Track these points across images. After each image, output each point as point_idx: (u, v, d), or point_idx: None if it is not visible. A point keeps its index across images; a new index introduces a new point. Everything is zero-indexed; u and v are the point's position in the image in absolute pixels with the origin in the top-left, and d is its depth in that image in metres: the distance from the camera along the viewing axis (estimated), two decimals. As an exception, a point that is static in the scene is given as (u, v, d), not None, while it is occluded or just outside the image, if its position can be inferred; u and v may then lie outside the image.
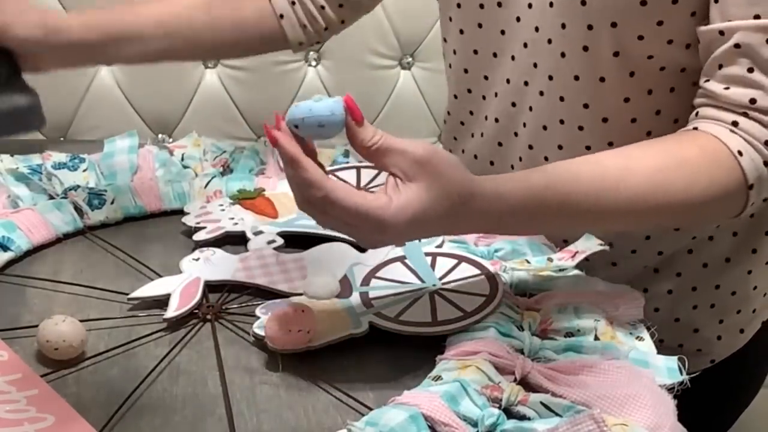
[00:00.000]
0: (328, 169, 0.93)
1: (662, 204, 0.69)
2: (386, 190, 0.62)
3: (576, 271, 0.77)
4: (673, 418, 0.61)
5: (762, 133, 0.69)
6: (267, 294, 0.76)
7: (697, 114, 0.73)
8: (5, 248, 0.80)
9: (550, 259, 0.77)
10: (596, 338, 0.69)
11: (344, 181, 0.68)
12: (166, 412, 0.63)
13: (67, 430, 0.60)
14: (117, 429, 0.61)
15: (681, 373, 0.65)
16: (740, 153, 0.69)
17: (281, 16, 0.95)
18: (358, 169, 0.94)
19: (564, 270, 0.76)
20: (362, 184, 0.91)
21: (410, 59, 1.60)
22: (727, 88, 0.71)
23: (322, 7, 0.96)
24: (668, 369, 0.66)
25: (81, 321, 0.72)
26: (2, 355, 0.67)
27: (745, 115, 0.70)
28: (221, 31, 0.93)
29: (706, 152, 0.70)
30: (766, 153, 0.69)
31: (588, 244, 0.77)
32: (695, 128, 0.72)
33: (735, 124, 0.70)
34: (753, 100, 0.69)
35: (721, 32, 0.70)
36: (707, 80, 0.72)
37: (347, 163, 0.97)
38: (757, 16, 0.69)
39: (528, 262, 0.77)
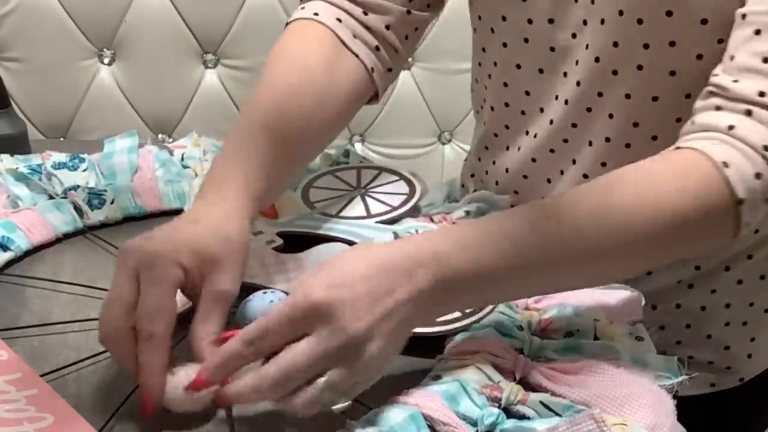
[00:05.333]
0: (329, 169, 0.94)
1: (623, 215, 0.63)
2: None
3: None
4: (673, 418, 0.61)
5: (760, 136, 0.64)
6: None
7: (693, 122, 0.69)
8: (5, 248, 0.80)
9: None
10: (596, 338, 0.69)
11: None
12: (166, 412, 0.63)
13: (67, 429, 0.60)
14: (117, 429, 0.61)
15: (680, 373, 0.65)
16: (726, 164, 0.63)
17: (372, 69, 0.84)
18: (358, 169, 0.94)
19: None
20: (362, 184, 0.91)
21: (410, 59, 1.61)
22: (736, 81, 0.66)
23: (396, 50, 0.87)
24: (667, 369, 0.66)
25: (81, 321, 0.72)
26: (2, 354, 0.67)
27: (748, 113, 0.65)
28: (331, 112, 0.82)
29: (672, 162, 0.66)
30: (760, 162, 0.63)
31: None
32: (677, 148, 0.67)
33: (731, 127, 0.65)
34: (762, 93, 0.64)
35: (744, 15, 0.67)
36: (716, 75, 0.68)
37: (347, 163, 0.97)
38: None
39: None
